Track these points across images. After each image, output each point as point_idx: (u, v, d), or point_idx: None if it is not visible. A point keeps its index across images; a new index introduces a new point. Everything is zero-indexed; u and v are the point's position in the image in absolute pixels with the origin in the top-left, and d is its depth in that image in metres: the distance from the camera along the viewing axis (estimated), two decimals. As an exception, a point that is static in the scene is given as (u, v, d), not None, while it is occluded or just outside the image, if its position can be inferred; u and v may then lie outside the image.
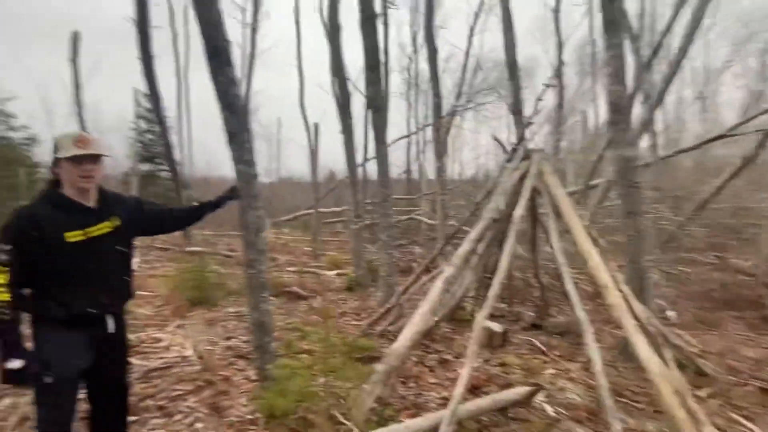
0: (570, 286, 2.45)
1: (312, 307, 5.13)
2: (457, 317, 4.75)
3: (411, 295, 4.30)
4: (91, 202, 1.68)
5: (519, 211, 2.83)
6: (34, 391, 1.61)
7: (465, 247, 2.84)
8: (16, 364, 1.47)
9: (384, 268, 5.13)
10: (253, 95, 17.64)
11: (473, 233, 2.91)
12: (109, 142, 20.58)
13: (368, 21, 4.71)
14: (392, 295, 5.05)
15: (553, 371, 3.41)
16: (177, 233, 11.37)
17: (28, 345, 1.58)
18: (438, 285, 2.72)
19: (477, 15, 15.03)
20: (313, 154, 9.83)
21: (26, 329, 1.61)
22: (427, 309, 2.62)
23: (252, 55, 15.59)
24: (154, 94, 6.78)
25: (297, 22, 14.04)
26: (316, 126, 9.49)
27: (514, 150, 3.30)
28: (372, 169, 19.34)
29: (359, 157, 10.93)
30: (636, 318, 2.47)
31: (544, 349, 3.90)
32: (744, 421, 2.69)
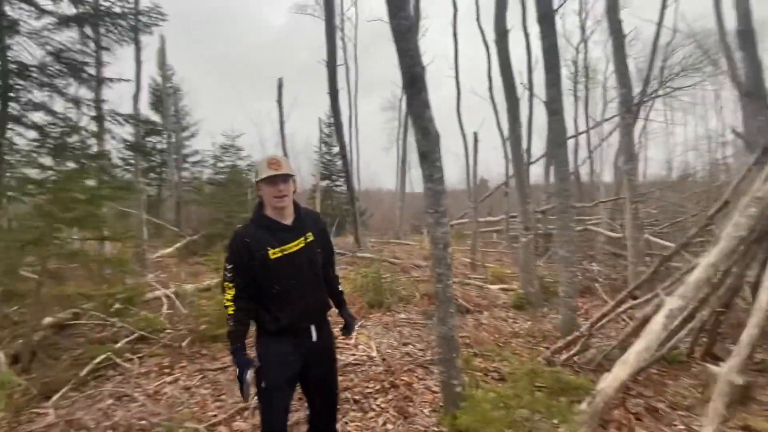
0: None
1: (480, 323, 4.97)
2: (668, 357, 3.84)
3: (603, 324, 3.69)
4: (288, 220, 1.85)
5: (789, 228, 2.08)
6: (257, 395, 1.86)
7: (699, 274, 2.24)
8: (248, 374, 1.69)
9: (563, 288, 4.59)
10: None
11: (711, 257, 2.27)
12: (298, 163, 25.09)
13: (546, 19, 4.36)
14: (573, 320, 4.47)
15: None
16: (351, 238, 12.96)
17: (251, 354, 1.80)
18: (660, 320, 2.21)
19: (672, -17, 12.34)
20: (472, 162, 9.69)
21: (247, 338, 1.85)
22: (644, 347, 2.16)
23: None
24: (337, 122, 7.88)
25: (454, 35, 14.31)
26: (475, 134, 9.35)
27: (767, 149, 2.46)
28: (535, 173, 17.99)
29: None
30: None
31: (824, 421, 2.76)
32: None
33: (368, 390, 3.12)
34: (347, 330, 2.14)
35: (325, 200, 18.18)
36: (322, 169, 17.76)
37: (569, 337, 3.42)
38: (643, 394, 3.27)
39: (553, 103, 4.40)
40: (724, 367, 1.95)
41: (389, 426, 2.69)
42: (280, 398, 1.83)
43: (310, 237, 1.88)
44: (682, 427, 2.81)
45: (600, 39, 17.09)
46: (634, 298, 3.67)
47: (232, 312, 1.77)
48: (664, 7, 12.63)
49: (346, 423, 2.73)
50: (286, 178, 1.80)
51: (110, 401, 2.98)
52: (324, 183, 18.14)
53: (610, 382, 2.13)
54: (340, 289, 2.16)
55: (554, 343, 3.95)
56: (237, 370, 1.72)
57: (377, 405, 2.94)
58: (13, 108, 5.26)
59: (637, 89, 13.34)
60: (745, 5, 4.05)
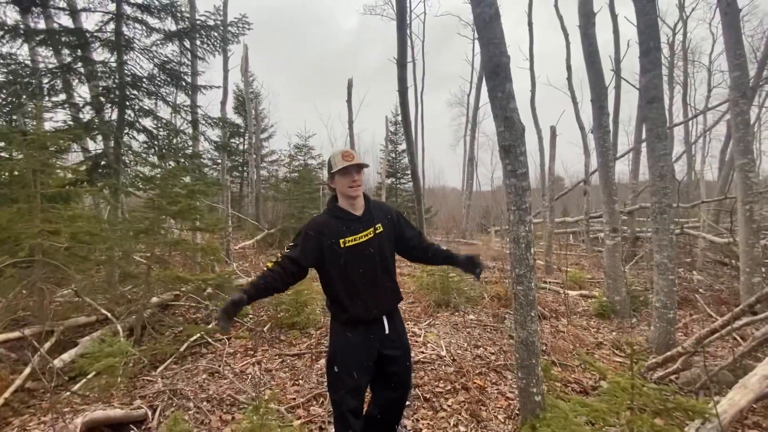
0: None
1: (558, 330, 4.64)
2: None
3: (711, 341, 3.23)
4: (358, 211, 1.93)
5: None
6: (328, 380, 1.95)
7: None
8: (235, 297, 1.66)
9: (658, 297, 4.11)
10: (483, 107, 18.12)
11: None
12: (364, 161, 25.63)
13: (642, -5, 3.90)
14: (670, 333, 3.99)
15: None
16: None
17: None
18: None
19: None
20: (548, 157, 9.08)
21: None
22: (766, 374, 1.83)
23: (480, 68, 16.09)
24: (405, 119, 7.88)
25: (529, 23, 13.51)
26: (553, 129, 8.75)
27: None
28: (619, 170, 16.32)
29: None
30: None
31: None
32: None
33: (438, 389, 3.08)
34: (473, 268, 2.10)
35: (390, 198, 18.37)
36: (388, 166, 17.95)
37: (668, 353, 3.03)
38: (760, 424, 2.80)
39: (650, 89, 3.94)
40: None
41: (461, 428, 2.62)
42: (350, 384, 1.86)
43: (380, 228, 1.94)
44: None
45: (704, 16, 14.89)
46: (754, 313, 3.14)
47: (269, 266, 1.80)
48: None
49: (417, 420, 2.72)
50: (360, 168, 1.88)
51: (204, 376, 3.31)
52: (389, 180, 18.31)
53: (725, 407, 1.83)
54: (443, 247, 2.19)
55: (645, 359, 3.54)
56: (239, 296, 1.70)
57: (448, 405, 2.89)
58: (129, 115, 6.06)
59: (751, 72, 11.44)
60: None
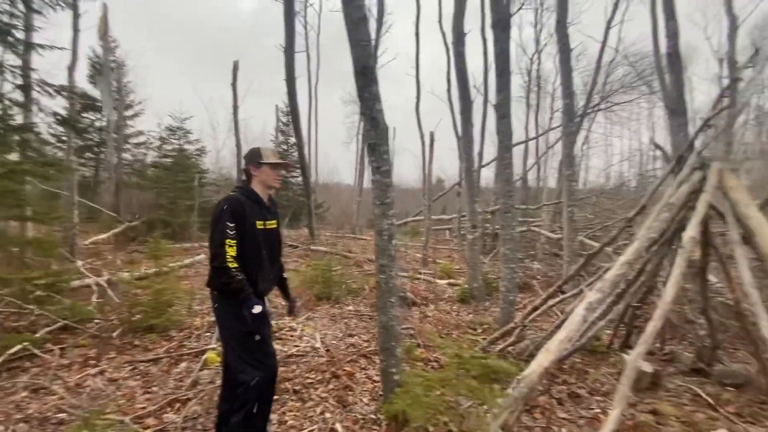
0: (766, 329, 1.92)
1: (425, 315, 5.12)
2: (590, 347, 4.20)
3: (536, 317, 3.95)
4: (267, 202, 2.16)
5: (690, 232, 2.35)
6: (236, 346, 2.01)
7: (615, 271, 2.47)
8: (258, 309, 1.90)
9: (503, 283, 4.85)
10: (373, 106, 18.72)
11: (626, 256, 2.51)
12: (254, 151, 24.20)
13: (499, 24, 4.54)
14: (511, 313, 4.74)
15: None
16: (306, 231, 12.77)
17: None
18: (580, 312, 2.42)
19: (616, 5, 13.35)
20: (428, 161, 9.91)
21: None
22: (565, 336, 2.35)
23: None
24: (294, 110, 7.69)
25: (416, 34, 14.48)
26: (432, 134, 9.56)
27: (681, 158, 2.76)
28: (487, 176, 18.70)
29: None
30: None
31: (711, 401, 3.16)
32: None
33: (309, 380, 3.12)
34: (292, 311, 2.49)
35: (279, 191, 17.70)
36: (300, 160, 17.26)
37: (504, 328, 3.62)
38: (567, 381, 3.55)
39: (501, 106, 4.61)
40: (631, 355, 2.16)
41: (327, 415, 2.70)
42: (270, 350, 2.13)
43: (277, 222, 2.22)
44: (598, 410, 3.09)
45: (552, 51, 18.05)
46: (563, 292, 3.95)
47: (234, 267, 1.90)
48: (608, 27, 13.63)
49: (284, 413, 2.71)
50: (288, 166, 2.31)
51: (24, 393, 2.74)
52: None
53: (534, 368, 2.29)
54: (285, 275, 2.48)
55: (492, 334, 4.17)
56: (249, 307, 1.89)
57: (317, 395, 2.95)
58: None
59: (582, 102, 14.31)
60: (674, 29, 4.46)
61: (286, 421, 2.63)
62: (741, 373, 3.27)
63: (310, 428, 2.55)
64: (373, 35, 17.18)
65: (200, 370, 3.12)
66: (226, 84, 11.37)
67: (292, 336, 3.93)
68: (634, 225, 3.13)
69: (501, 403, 2.26)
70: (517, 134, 18.22)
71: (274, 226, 2.16)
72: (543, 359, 2.32)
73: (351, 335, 4.15)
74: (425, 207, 10.89)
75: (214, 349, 3.48)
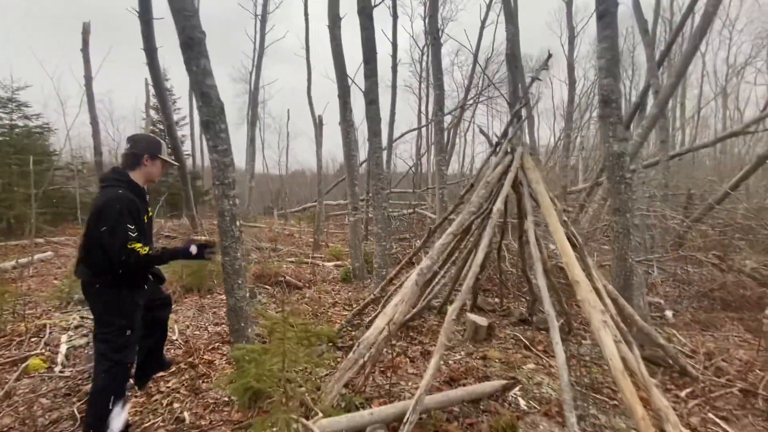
0: (541, 282, 2.44)
1: (304, 297, 5.20)
2: (445, 310, 4.78)
3: (397, 288, 4.32)
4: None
5: (498, 205, 2.82)
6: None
7: (443, 240, 2.85)
8: (193, 248, 2.17)
9: (377, 260, 5.17)
10: (267, 87, 17.73)
11: (452, 227, 2.91)
12: (122, 131, 21.07)
13: (363, 12, 4.69)
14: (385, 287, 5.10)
15: (533, 366, 3.41)
16: (187, 220, 11.67)
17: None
18: (412, 277, 2.73)
19: (488, 6, 14.79)
20: (318, 145, 9.87)
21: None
22: (399, 300, 2.64)
23: (260, 47, 15.67)
24: (158, 86, 6.88)
25: (305, 13, 14.05)
26: (320, 117, 9.52)
27: (498, 143, 3.28)
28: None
29: (363, 150, 10.98)
30: (610, 314, 2.46)
31: (527, 343, 3.89)
32: (720, 422, 2.65)
33: (160, 375, 2.94)
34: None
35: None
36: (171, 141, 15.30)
37: (366, 300, 3.89)
38: (422, 341, 4.00)
39: (369, 92, 4.81)
40: (449, 312, 2.53)
41: (176, 405, 2.61)
42: (136, 341, 2.21)
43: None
44: (442, 362, 3.56)
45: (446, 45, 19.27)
46: (413, 264, 4.40)
47: (146, 252, 1.99)
48: (482, 26, 15.06)
49: (130, 414, 2.53)
50: (171, 166, 2.34)
51: None
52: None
53: (371, 331, 2.54)
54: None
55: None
56: (187, 248, 2.16)
57: (167, 387, 2.81)
58: None
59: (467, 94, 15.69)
60: (511, 32, 5.12)
61: (127, 420, 2.46)
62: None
63: (154, 420, 2.44)
64: (259, 10, 16.14)
65: (17, 380, 2.70)
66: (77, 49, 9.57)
67: (145, 330, 3.62)
68: (465, 202, 3.62)
69: (342, 365, 2.47)
70: (412, 122, 19.05)
71: (151, 215, 2.26)
72: (380, 322, 2.58)
73: (218, 324, 4.00)
74: (318, 192, 10.87)
75: (40, 354, 3.04)
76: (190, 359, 3.17)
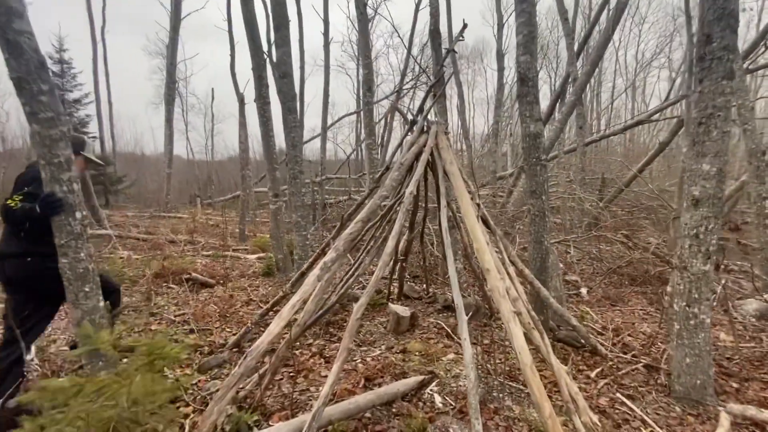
0: (451, 268, 2.23)
1: (213, 296, 4.64)
2: (372, 302, 4.53)
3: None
4: None
5: (410, 188, 2.55)
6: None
7: (350, 229, 2.53)
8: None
9: (297, 251, 4.75)
10: (189, 64, 16.00)
11: (361, 213, 2.59)
12: (9, 106, 17.97)
13: (271, -28, 4.12)
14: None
15: (453, 356, 3.27)
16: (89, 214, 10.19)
17: None
18: (314, 272, 2.39)
19: (422, -11, 14.55)
20: (240, 125, 9.03)
21: None
22: (298, 299, 2.29)
23: (176, 17, 14.04)
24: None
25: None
26: (242, 96, 8.69)
27: (414, 122, 3.01)
28: (315, 147, 18.55)
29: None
30: (522, 302, 2.32)
31: (449, 331, 3.77)
32: (627, 401, 2.69)
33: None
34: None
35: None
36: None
37: (276, 298, 3.49)
38: (341, 337, 3.70)
39: (281, 65, 4.30)
40: (358, 305, 2.22)
41: None
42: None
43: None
44: (359, 360, 3.30)
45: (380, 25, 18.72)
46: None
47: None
48: (417, 10, 14.83)
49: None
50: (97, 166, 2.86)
51: None
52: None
53: (262, 338, 2.16)
54: None
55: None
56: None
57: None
58: None
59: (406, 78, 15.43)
60: (435, 7, 4.84)
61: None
62: (472, 303, 3.98)
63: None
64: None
65: None
66: None
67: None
68: (381, 185, 3.35)
69: (226, 382, 2.07)
70: (350, 106, 18.42)
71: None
72: (274, 327, 2.22)
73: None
74: (241, 177, 10.01)
75: None
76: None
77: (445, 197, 2.58)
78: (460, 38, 3.26)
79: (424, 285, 4.86)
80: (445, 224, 2.38)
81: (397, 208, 2.70)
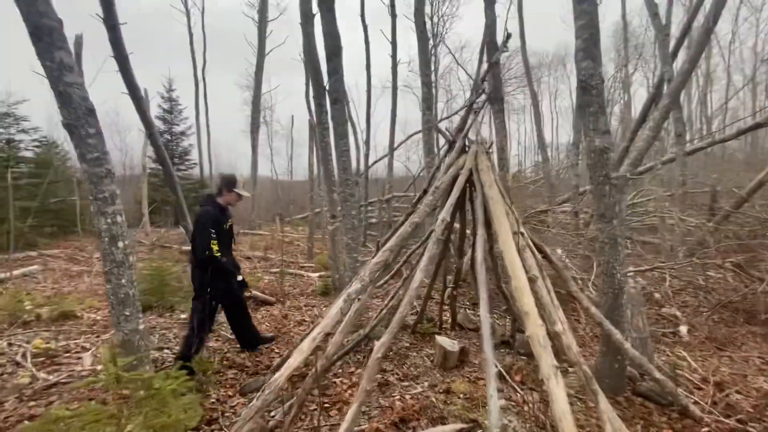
0: (483, 309, 1.95)
1: (271, 315, 4.81)
2: (419, 329, 4.28)
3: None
4: (228, 210, 3.44)
5: (443, 214, 2.34)
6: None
7: (377, 258, 2.39)
8: (240, 277, 3.51)
9: (347, 274, 4.73)
10: (274, 94, 17.60)
11: (390, 242, 2.44)
12: (129, 141, 21.38)
13: (323, 4, 4.30)
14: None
15: (503, 402, 2.88)
16: (183, 231, 11.57)
17: None
18: (338, 303, 2.29)
19: (491, 1, 14.14)
20: (309, 150, 9.54)
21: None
22: (318, 332, 2.20)
23: (260, 52, 15.59)
24: (133, 92, 6.68)
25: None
26: (312, 123, 9.18)
27: (453, 142, 2.79)
28: (380, 168, 18.87)
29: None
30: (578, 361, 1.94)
31: (503, 371, 3.35)
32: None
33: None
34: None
35: (163, 186, 15.84)
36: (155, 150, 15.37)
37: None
38: (386, 369, 3.52)
39: (333, 92, 4.41)
40: (379, 343, 2.07)
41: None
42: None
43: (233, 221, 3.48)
44: (397, 395, 3.08)
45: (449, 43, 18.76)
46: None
47: (219, 255, 3.11)
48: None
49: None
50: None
51: None
52: (154, 166, 15.75)
53: (282, 372, 2.10)
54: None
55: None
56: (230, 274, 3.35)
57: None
58: None
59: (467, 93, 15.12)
60: (491, 19, 4.60)
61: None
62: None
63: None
64: (256, 15, 16.05)
65: None
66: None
67: (69, 360, 3.31)
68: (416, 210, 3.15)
69: (242, 415, 2.04)
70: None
71: (231, 224, 3.43)
72: (294, 360, 2.15)
73: (161, 348, 3.65)
74: (310, 198, 10.52)
75: None
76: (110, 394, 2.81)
77: (482, 225, 2.31)
78: (505, 49, 2.99)
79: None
80: (479, 256, 2.11)
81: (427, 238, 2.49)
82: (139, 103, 7.02)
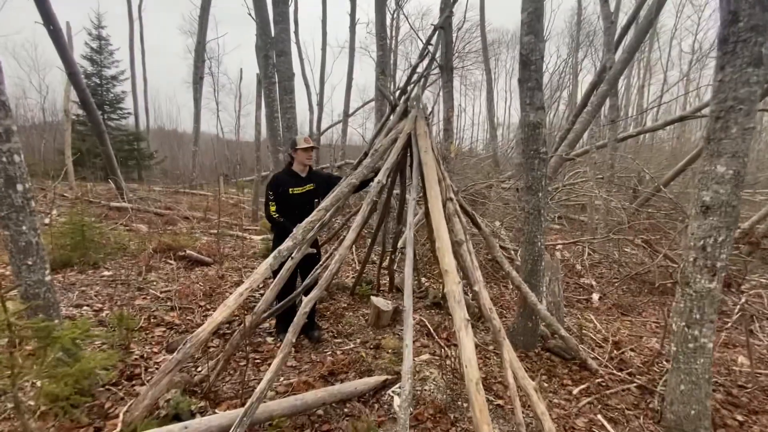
0: (408, 268, 2.04)
1: (206, 275, 4.66)
2: (358, 291, 4.39)
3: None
4: (304, 174, 3.19)
5: (378, 176, 2.36)
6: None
7: (311, 216, 2.38)
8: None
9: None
10: (222, 43, 16.17)
11: (324, 201, 2.44)
12: (48, 82, 18.87)
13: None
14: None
15: (426, 357, 3.09)
16: (113, 186, 10.63)
17: None
18: (268, 260, 2.27)
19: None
20: (256, 106, 9.02)
21: None
22: (245, 288, 2.18)
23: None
24: (50, 24, 5.83)
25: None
26: (258, 75, 8.64)
27: (395, 105, 2.78)
28: (335, 134, 18.42)
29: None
30: (489, 309, 2.11)
31: (431, 329, 3.58)
32: (607, 424, 2.43)
33: None
34: None
35: (90, 137, 14.28)
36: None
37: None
38: (320, 327, 3.60)
39: (279, 42, 4.16)
40: (308, 298, 2.09)
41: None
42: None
43: (311, 186, 3.19)
44: (328, 352, 3.18)
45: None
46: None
47: (276, 215, 3.09)
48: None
49: None
50: (313, 149, 3.17)
51: None
52: (81, 112, 14.12)
53: (205, 326, 2.08)
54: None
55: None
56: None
57: None
58: None
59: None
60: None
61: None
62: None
63: None
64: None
65: None
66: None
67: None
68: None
69: (162, 368, 2.01)
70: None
71: (308, 189, 3.18)
72: (218, 314, 2.13)
73: (78, 306, 3.43)
74: (256, 159, 10.07)
75: None
76: None
77: (416, 189, 2.36)
78: (450, 14, 2.97)
79: (417, 278, 4.67)
80: (410, 219, 2.18)
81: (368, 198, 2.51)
82: (57, 36, 6.19)
